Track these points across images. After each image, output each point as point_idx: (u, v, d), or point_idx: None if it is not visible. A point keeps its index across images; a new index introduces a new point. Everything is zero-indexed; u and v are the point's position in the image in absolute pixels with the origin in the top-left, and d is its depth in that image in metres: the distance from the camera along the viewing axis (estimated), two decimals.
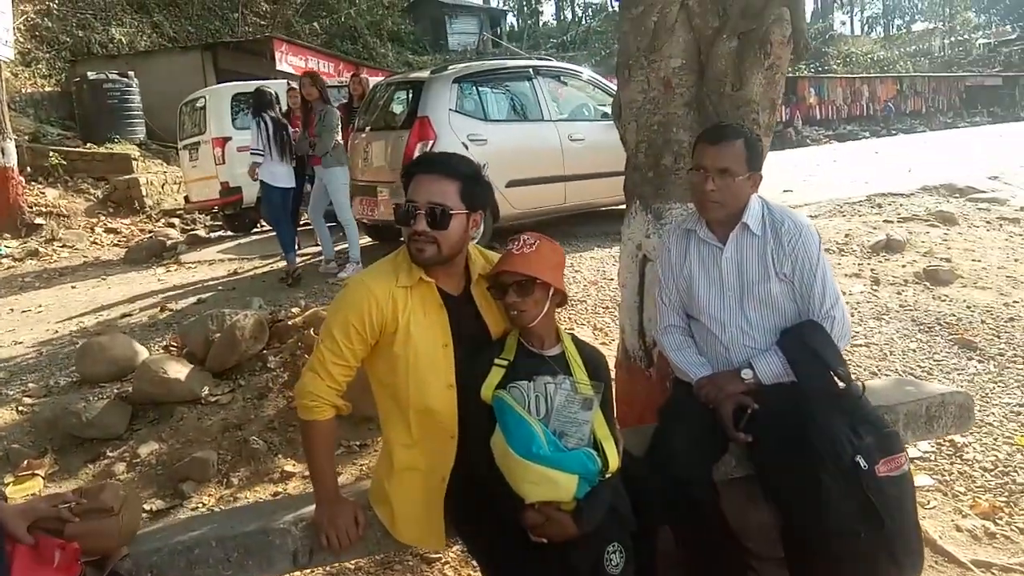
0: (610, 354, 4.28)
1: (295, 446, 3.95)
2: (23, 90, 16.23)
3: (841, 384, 2.31)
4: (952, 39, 51.60)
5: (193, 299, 6.98)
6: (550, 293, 2.14)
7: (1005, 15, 54.91)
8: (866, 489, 2.13)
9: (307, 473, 3.90)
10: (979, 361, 4.61)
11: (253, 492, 3.76)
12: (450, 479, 2.18)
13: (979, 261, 6.37)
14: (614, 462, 2.02)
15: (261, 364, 4.78)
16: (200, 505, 3.68)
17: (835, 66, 40.48)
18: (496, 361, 2.13)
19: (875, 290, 5.74)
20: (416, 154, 6.71)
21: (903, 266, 6.26)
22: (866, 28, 60.31)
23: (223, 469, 3.94)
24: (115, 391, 4.60)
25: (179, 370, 4.50)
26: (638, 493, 2.15)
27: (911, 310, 5.36)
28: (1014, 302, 5.37)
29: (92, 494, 1.98)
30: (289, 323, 5.06)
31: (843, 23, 58.66)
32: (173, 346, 5.24)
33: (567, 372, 2.13)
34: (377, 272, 2.22)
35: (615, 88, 3.26)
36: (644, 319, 3.11)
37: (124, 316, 6.70)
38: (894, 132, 30.01)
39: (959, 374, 4.47)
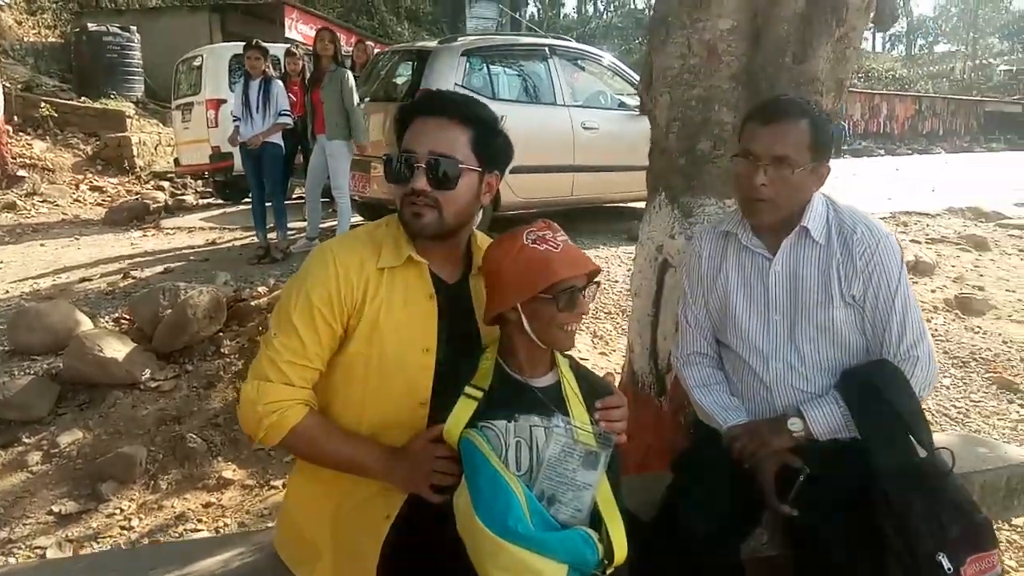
0: (610, 367, 3.73)
1: (238, 448, 3.43)
2: (25, 39, 15.74)
3: (922, 451, 1.73)
4: (974, 63, 51.28)
5: (161, 268, 6.46)
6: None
7: None
8: None
9: (247, 482, 3.37)
10: (1020, 405, 4.20)
11: (182, 500, 3.24)
12: (395, 525, 1.58)
13: (1014, 292, 6.05)
14: (621, 551, 1.43)
15: (214, 348, 4.26)
16: (118, 511, 3.15)
17: (855, 81, 40.05)
18: (466, 391, 1.54)
19: None
20: None
21: (932, 291, 5.90)
22: (888, 45, 59.96)
23: (151, 469, 3.43)
24: (45, 366, 4.05)
25: (118, 348, 3.96)
26: (642, 567, 1.57)
27: (943, 340, 4.99)
28: None
29: None
30: (252, 303, 4.51)
31: (865, 38, 58.15)
32: (125, 319, 4.71)
33: (563, 411, 1.55)
34: (351, 240, 1.67)
35: (637, 78, 2.69)
36: (659, 336, 2.56)
37: (83, 280, 6.17)
38: (910, 151, 29.71)
39: (1000, 419, 4.07)
